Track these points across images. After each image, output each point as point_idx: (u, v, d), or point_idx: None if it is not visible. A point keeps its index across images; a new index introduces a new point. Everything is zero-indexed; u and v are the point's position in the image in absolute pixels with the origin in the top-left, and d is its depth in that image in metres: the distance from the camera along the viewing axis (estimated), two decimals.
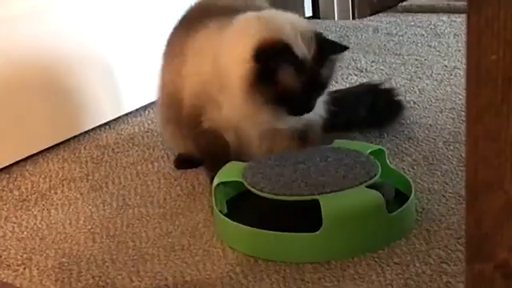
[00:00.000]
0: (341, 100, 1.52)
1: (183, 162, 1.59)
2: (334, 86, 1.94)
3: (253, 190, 1.26)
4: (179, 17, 1.57)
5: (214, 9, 1.47)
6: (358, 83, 2.04)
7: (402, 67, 2.19)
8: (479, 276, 0.61)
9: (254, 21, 1.35)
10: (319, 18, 3.00)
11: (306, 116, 1.36)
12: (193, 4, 1.56)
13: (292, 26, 1.33)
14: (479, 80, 0.56)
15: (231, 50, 1.34)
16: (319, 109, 1.41)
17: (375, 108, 1.62)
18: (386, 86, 1.74)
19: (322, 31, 1.38)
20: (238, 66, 1.31)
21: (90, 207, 1.45)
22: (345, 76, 2.13)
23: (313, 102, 1.35)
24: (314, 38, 1.32)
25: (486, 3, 0.54)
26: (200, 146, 1.45)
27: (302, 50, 1.30)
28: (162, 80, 1.55)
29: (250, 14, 1.37)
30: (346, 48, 1.37)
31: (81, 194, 1.52)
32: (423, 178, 1.44)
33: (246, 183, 1.28)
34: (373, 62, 2.28)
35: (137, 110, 1.99)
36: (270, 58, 1.28)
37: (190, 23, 1.49)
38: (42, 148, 1.75)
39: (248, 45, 1.30)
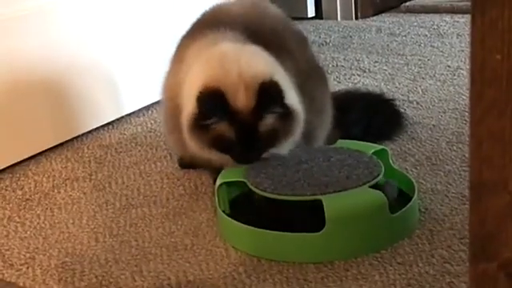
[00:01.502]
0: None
1: (187, 162, 1.59)
2: (337, 86, 1.96)
3: (256, 189, 1.26)
4: (193, 21, 1.56)
5: (225, 18, 1.45)
6: (360, 83, 2.04)
7: (405, 67, 2.19)
8: (483, 275, 0.61)
9: (215, 59, 1.32)
10: (322, 19, 3.00)
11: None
12: (207, 9, 1.53)
13: (239, 74, 1.28)
14: (483, 80, 0.56)
15: (192, 81, 1.33)
16: (282, 151, 1.35)
17: (371, 126, 1.61)
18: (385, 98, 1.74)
19: (277, 80, 1.28)
20: (188, 103, 1.32)
21: (93, 207, 1.45)
22: (348, 76, 2.13)
23: (253, 153, 1.31)
24: (258, 88, 1.27)
25: (491, 3, 0.54)
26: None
27: (239, 100, 1.26)
28: (164, 84, 1.53)
29: (221, 48, 1.34)
30: (287, 108, 1.29)
31: (84, 193, 1.52)
32: (426, 178, 1.44)
33: (248, 183, 1.28)
34: (376, 62, 2.28)
35: (139, 109, 2.00)
36: (205, 103, 1.27)
37: (198, 29, 1.47)
38: (45, 148, 1.75)
39: (198, 85, 1.29)
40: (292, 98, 1.32)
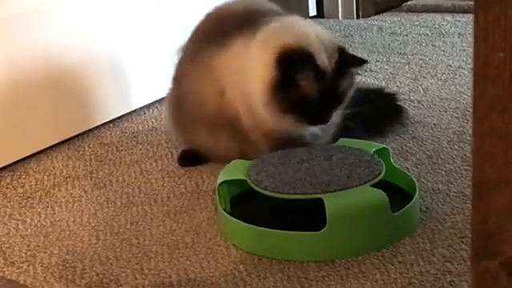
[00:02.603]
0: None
1: (187, 160, 1.59)
2: None
3: (257, 188, 1.26)
4: (197, 23, 1.57)
5: (234, 17, 1.47)
6: (362, 82, 2.04)
7: (407, 66, 2.19)
8: (485, 273, 0.61)
9: (279, 29, 1.37)
10: (323, 18, 3.00)
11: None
12: (211, 10, 1.56)
13: (317, 35, 1.35)
14: (486, 77, 0.56)
15: (256, 57, 1.36)
16: (336, 117, 1.43)
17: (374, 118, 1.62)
18: (387, 91, 1.77)
19: (344, 45, 1.41)
20: (261, 72, 1.34)
21: (94, 205, 1.45)
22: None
23: (330, 113, 1.36)
24: (336, 50, 1.35)
25: (494, 1, 0.54)
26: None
27: (324, 59, 1.32)
28: (184, 86, 1.54)
29: (274, 24, 1.39)
30: (365, 62, 1.40)
31: (85, 191, 1.52)
32: (427, 177, 1.43)
33: (249, 181, 1.28)
34: (377, 61, 2.27)
35: (141, 108, 2.00)
36: (293, 64, 1.30)
37: (213, 34, 1.49)
38: (46, 146, 1.75)
39: (272, 51, 1.32)
40: None
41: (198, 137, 1.55)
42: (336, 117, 1.42)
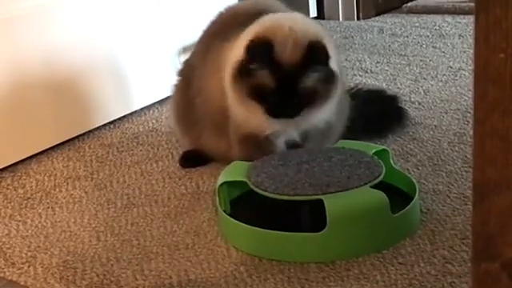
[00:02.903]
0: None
1: (188, 161, 1.59)
2: None
3: (257, 189, 1.26)
4: (208, 23, 1.58)
5: (242, 16, 1.48)
6: (362, 83, 2.04)
7: (407, 68, 2.19)
8: (485, 275, 0.61)
9: (261, 21, 1.39)
10: (324, 19, 3.00)
11: (305, 122, 1.38)
12: (222, 10, 1.58)
13: (290, 28, 1.33)
14: (487, 79, 0.56)
15: (236, 47, 1.38)
16: (320, 115, 1.40)
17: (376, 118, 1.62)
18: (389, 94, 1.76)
19: (325, 43, 1.35)
20: (234, 60, 1.37)
21: (95, 206, 1.45)
22: (350, 76, 2.13)
23: (289, 107, 1.33)
24: (306, 46, 1.32)
25: (494, 2, 0.54)
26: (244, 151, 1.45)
27: (285, 53, 1.31)
28: (195, 85, 1.53)
29: (263, 17, 1.40)
30: (331, 72, 1.34)
31: (85, 192, 1.52)
32: (428, 178, 1.43)
33: (249, 183, 1.28)
34: (377, 62, 2.28)
35: (141, 109, 2.00)
36: (253, 52, 1.32)
37: (222, 32, 1.50)
38: (47, 146, 1.75)
39: (245, 40, 1.35)
40: (334, 64, 1.37)
41: (202, 137, 1.54)
42: (317, 120, 1.40)
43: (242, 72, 1.34)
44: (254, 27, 1.38)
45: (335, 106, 1.42)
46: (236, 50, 1.37)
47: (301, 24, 1.37)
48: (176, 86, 1.64)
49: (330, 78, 1.35)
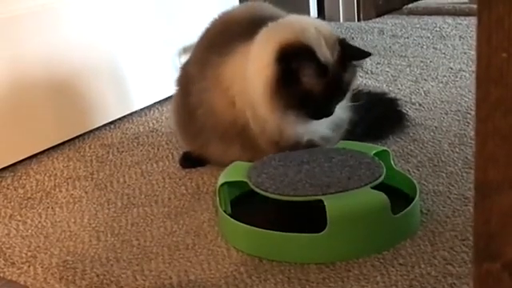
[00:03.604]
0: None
1: (189, 161, 1.59)
2: None
3: (257, 190, 1.26)
4: (203, 31, 1.55)
5: (237, 24, 1.46)
6: (363, 84, 2.04)
7: (408, 69, 2.19)
8: (487, 275, 0.61)
9: (277, 27, 1.36)
10: (324, 20, 3.00)
11: (331, 119, 1.39)
12: (216, 17, 1.55)
13: (316, 29, 1.34)
14: (489, 78, 0.56)
15: (255, 58, 1.36)
16: (343, 112, 1.43)
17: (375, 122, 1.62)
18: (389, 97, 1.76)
19: (345, 37, 1.40)
20: (261, 71, 1.33)
21: (95, 206, 1.45)
22: None
23: (334, 105, 1.36)
24: (337, 42, 1.34)
25: (497, 1, 0.54)
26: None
27: (325, 53, 1.32)
28: (194, 98, 1.51)
29: (271, 24, 1.38)
30: (368, 54, 1.39)
31: (85, 192, 1.52)
32: (428, 179, 1.43)
33: (250, 183, 1.27)
34: (378, 63, 2.28)
35: (142, 109, 2.00)
36: (293, 60, 1.30)
37: (218, 43, 1.47)
38: (47, 146, 1.75)
39: (271, 49, 1.32)
40: None
41: (209, 146, 1.52)
42: (342, 112, 1.42)
43: (282, 85, 1.31)
44: (274, 35, 1.34)
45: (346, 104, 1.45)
46: (256, 63, 1.34)
47: (317, 25, 1.37)
48: (175, 94, 1.62)
49: (355, 70, 1.38)
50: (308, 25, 1.36)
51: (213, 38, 1.51)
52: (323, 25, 1.40)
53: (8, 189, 1.57)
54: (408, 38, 2.58)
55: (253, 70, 1.36)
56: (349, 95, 1.41)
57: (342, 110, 1.42)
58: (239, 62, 1.40)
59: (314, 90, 1.31)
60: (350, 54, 1.36)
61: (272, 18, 1.43)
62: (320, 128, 1.42)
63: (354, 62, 1.37)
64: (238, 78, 1.41)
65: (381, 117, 1.65)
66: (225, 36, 1.47)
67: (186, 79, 1.56)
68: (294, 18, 1.42)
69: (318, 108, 1.34)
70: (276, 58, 1.30)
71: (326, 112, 1.36)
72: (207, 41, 1.53)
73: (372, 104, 1.65)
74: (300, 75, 1.30)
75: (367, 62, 2.29)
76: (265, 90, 1.33)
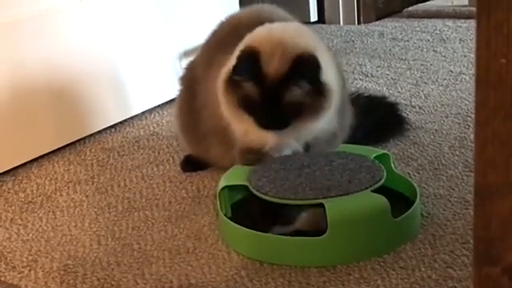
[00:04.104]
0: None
1: (190, 165, 1.59)
2: None
3: (258, 193, 1.26)
4: (211, 33, 1.56)
5: (244, 27, 1.44)
6: (363, 88, 2.05)
7: (408, 72, 2.19)
8: (487, 279, 0.61)
9: (254, 32, 1.36)
10: (324, 23, 3.01)
11: (303, 134, 1.35)
12: (224, 19, 1.55)
13: (280, 41, 1.30)
14: (488, 83, 0.56)
15: (233, 56, 1.36)
16: (321, 126, 1.36)
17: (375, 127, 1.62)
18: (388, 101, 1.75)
19: (316, 56, 1.30)
20: (227, 68, 1.35)
21: (96, 210, 1.45)
22: (350, 81, 2.13)
23: (276, 120, 1.30)
24: (294, 58, 1.28)
25: (496, 7, 0.54)
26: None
27: (270, 65, 1.28)
28: (200, 100, 1.51)
29: (259, 27, 1.37)
30: (320, 85, 1.30)
31: (86, 196, 1.52)
32: (429, 182, 1.43)
33: (251, 187, 1.28)
34: (378, 66, 2.28)
35: (142, 113, 2.00)
36: (238, 63, 1.30)
37: (223, 45, 1.47)
38: (48, 150, 1.75)
39: (238, 51, 1.33)
40: (330, 76, 1.33)
41: (211, 150, 1.52)
42: (318, 132, 1.36)
43: (231, 82, 1.32)
44: (247, 38, 1.35)
45: (337, 116, 1.38)
46: (231, 61, 1.35)
47: (293, 35, 1.33)
48: (179, 95, 1.61)
49: (320, 91, 1.30)
50: (276, 33, 1.33)
51: (220, 39, 1.52)
52: (299, 37, 1.34)
53: (9, 193, 1.57)
54: (408, 40, 2.58)
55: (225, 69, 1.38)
56: (307, 118, 1.31)
57: (327, 126, 1.37)
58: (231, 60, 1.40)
59: (251, 97, 1.30)
60: (299, 73, 1.28)
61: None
62: (289, 142, 1.37)
63: (305, 85, 1.29)
64: None
65: (380, 122, 1.64)
66: (231, 37, 1.46)
67: (192, 81, 1.56)
68: (276, 25, 1.38)
69: (259, 117, 1.30)
70: (236, 58, 1.31)
71: (270, 124, 1.31)
72: (214, 42, 1.54)
73: (372, 108, 1.65)
74: (242, 79, 1.30)
75: (367, 65, 2.30)
76: (221, 86, 1.35)
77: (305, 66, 1.29)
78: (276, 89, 1.29)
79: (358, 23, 2.96)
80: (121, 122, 1.93)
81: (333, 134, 1.41)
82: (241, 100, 1.32)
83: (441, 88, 2.01)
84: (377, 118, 1.64)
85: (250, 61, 1.29)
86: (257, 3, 1.57)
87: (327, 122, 1.36)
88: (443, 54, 2.36)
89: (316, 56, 1.30)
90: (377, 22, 2.95)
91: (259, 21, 1.44)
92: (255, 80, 1.29)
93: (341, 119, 1.42)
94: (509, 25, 0.54)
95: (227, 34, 1.50)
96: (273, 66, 1.29)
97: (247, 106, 1.32)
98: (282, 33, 1.33)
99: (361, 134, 1.53)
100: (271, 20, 1.43)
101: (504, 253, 0.59)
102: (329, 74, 1.33)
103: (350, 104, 1.53)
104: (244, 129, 1.37)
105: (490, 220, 0.59)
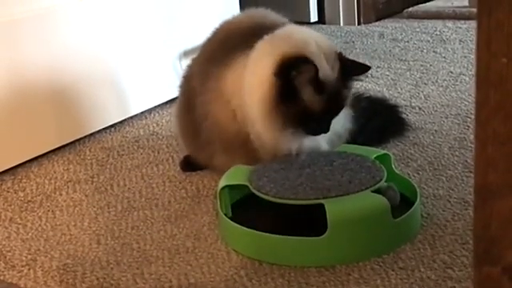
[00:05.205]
0: None
1: (189, 165, 1.59)
2: None
3: (258, 193, 1.26)
4: (205, 39, 1.53)
5: (238, 34, 1.43)
6: (363, 88, 2.04)
7: (408, 73, 2.19)
8: (487, 279, 0.61)
9: (276, 39, 1.31)
10: (325, 24, 3.01)
11: (328, 134, 1.34)
12: (218, 26, 1.52)
13: (316, 43, 1.29)
14: (489, 83, 0.56)
15: (253, 70, 1.31)
16: (341, 125, 1.38)
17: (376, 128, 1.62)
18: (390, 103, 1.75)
19: (341, 51, 1.33)
20: (259, 85, 1.28)
21: (95, 209, 1.45)
22: None
23: (331, 122, 1.31)
24: (336, 57, 1.29)
25: (497, 6, 0.54)
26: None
27: (325, 69, 1.26)
28: (198, 110, 1.48)
29: (272, 34, 1.33)
30: (368, 68, 1.33)
31: (86, 195, 1.52)
32: (428, 183, 1.43)
33: (251, 187, 1.28)
34: (378, 67, 2.28)
35: (142, 112, 2.00)
36: (294, 75, 1.24)
37: (219, 53, 1.44)
38: (47, 150, 1.75)
39: (270, 63, 1.26)
40: None
41: (214, 159, 1.51)
42: (340, 125, 1.38)
43: (281, 101, 1.26)
44: (273, 48, 1.28)
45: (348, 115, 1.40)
46: (254, 77, 1.29)
47: (318, 37, 1.32)
48: (178, 102, 1.60)
49: (353, 83, 1.33)
50: (309, 38, 1.30)
51: (213, 49, 1.48)
52: (322, 38, 1.34)
53: (8, 192, 1.57)
54: (408, 41, 2.58)
55: (250, 84, 1.32)
56: (347, 108, 1.35)
57: (339, 124, 1.38)
58: (238, 75, 1.36)
59: (313, 108, 1.26)
60: (350, 70, 1.30)
61: (273, 27, 1.38)
62: (317, 143, 1.37)
63: (355, 77, 1.32)
64: (237, 90, 1.36)
65: (381, 125, 1.64)
66: (225, 46, 1.43)
67: (189, 92, 1.53)
68: (294, 30, 1.37)
69: (317, 124, 1.29)
70: (275, 72, 1.25)
71: (324, 129, 1.30)
72: (208, 52, 1.50)
73: (372, 112, 1.64)
74: (301, 93, 1.25)
75: None
76: (262, 105, 1.28)
77: (348, 64, 1.29)
78: (337, 92, 1.27)
79: (358, 24, 2.96)
80: (120, 122, 1.93)
81: (338, 135, 1.42)
82: (296, 116, 1.26)
83: (441, 89, 2.01)
84: (378, 122, 1.63)
85: (309, 71, 1.23)
86: (255, 5, 1.56)
87: (346, 115, 1.38)
88: (443, 55, 2.36)
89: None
90: (377, 23, 2.95)
91: (252, 26, 1.42)
92: (317, 88, 1.25)
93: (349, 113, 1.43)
94: (510, 24, 0.54)
95: (220, 43, 1.47)
96: (328, 71, 1.26)
97: (305, 118, 1.27)
98: (308, 37, 1.31)
99: (361, 140, 1.51)
100: (265, 25, 1.41)
101: (504, 252, 0.59)
102: None
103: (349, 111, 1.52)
104: (278, 140, 1.33)
105: (490, 220, 0.59)
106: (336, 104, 1.29)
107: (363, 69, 1.33)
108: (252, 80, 1.31)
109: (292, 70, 1.24)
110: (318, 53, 1.27)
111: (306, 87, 1.25)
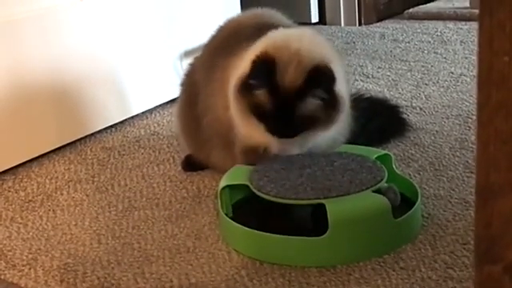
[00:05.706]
0: None
1: (190, 165, 1.59)
2: None
3: (259, 193, 1.26)
4: (210, 37, 1.55)
5: (244, 32, 1.45)
6: (364, 89, 2.04)
7: (409, 74, 2.19)
8: (488, 278, 0.61)
9: (270, 37, 1.34)
10: (325, 24, 3.01)
11: (309, 142, 1.33)
12: (223, 24, 1.54)
13: (297, 50, 1.28)
14: (491, 82, 0.56)
15: (243, 60, 1.34)
16: (326, 136, 1.36)
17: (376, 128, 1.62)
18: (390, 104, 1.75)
19: (331, 67, 1.28)
20: (240, 72, 1.33)
21: (96, 209, 1.45)
22: (351, 82, 2.13)
23: (287, 129, 1.29)
24: (310, 69, 1.27)
25: (498, 5, 0.54)
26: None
27: (287, 75, 1.26)
28: (201, 105, 1.50)
29: (270, 33, 1.35)
30: (334, 97, 1.28)
31: (86, 195, 1.52)
32: (429, 183, 1.43)
33: (251, 186, 1.28)
34: (379, 68, 2.28)
35: (143, 112, 2.00)
36: (253, 70, 1.28)
37: (224, 49, 1.46)
38: (48, 149, 1.75)
39: (253, 55, 1.30)
40: (343, 87, 1.32)
41: (212, 155, 1.52)
42: (322, 140, 1.35)
43: (244, 87, 1.30)
44: (261, 43, 1.33)
45: (342, 126, 1.38)
46: (242, 65, 1.33)
47: (309, 45, 1.31)
48: (179, 101, 1.61)
49: (333, 103, 1.29)
50: (293, 42, 1.30)
51: (220, 43, 1.51)
52: (315, 47, 1.33)
53: (9, 191, 1.57)
54: (409, 42, 2.58)
55: (235, 73, 1.35)
56: (319, 129, 1.30)
57: (332, 134, 1.36)
58: (235, 67, 1.38)
59: (264, 106, 1.28)
60: (316, 84, 1.27)
61: (277, 27, 1.40)
62: (293, 148, 1.35)
63: (321, 96, 1.27)
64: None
65: (382, 126, 1.64)
66: (231, 40, 1.46)
67: (192, 87, 1.54)
68: (291, 32, 1.38)
69: (271, 125, 1.29)
70: (250, 64, 1.28)
71: (281, 132, 1.29)
72: (214, 45, 1.53)
73: (373, 112, 1.64)
74: (256, 88, 1.28)
75: (368, 67, 2.30)
76: (233, 90, 1.33)
77: (320, 79, 1.27)
78: (290, 100, 1.27)
79: (359, 24, 2.96)
80: (121, 122, 1.93)
81: (334, 139, 1.41)
82: (253, 106, 1.30)
83: (441, 89, 2.01)
84: (379, 123, 1.63)
85: (265, 69, 1.26)
86: (257, 5, 1.56)
87: (333, 131, 1.35)
88: (444, 56, 2.36)
89: (331, 68, 1.28)
90: (378, 24, 2.95)
91: (260, 25, 1.43)
92: (269, 89, 1.27)
93: (343, 123, 1.42)
94: (511, 23, 0.54)
95: (227, 39, 1.49)
96: (288, 77, 1.26)
97: (258, 112, 1.29)
98: (300, 42, 1.30)
99: (363, 138, 1.51)
100: (271, 24, 1.42)
101: (505, 252, 0.59)
102: (342, 85, 1.32)
103: (350, 107, 1.52)
104: (249, 132, 1.35)
105: (492, 219, 0.59)
106: (288, 111, 1.27)
107: (328, 90, 1.28)
108: (237, 72, 1.35)
109: (256, 68, 1.27)
110: (291, 58, 1.27)
111: (262, 85, 1.28)
